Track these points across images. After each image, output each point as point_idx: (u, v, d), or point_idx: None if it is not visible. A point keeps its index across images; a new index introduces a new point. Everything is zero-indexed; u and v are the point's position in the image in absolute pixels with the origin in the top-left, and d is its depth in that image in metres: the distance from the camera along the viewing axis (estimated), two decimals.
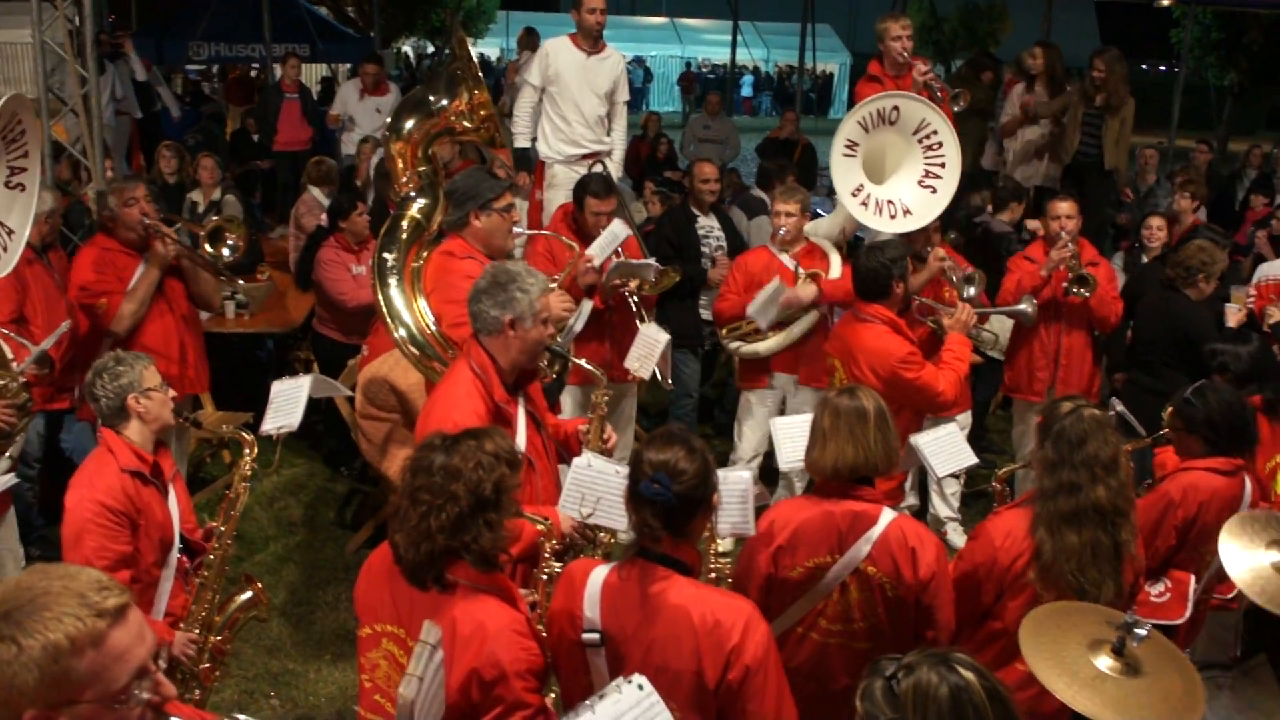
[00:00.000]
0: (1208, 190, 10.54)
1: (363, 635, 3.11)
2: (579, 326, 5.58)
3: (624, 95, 7.76)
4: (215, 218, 6.95)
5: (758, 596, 3.71)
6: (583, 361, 4.58)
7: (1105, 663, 2.86)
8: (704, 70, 38.50)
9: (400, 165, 5.20)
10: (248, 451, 4.37)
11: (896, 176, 6.57)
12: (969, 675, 2.17)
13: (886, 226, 6.55)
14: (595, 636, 2.99)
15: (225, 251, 6.41)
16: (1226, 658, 4.12)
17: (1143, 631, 2.86)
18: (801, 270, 6.39)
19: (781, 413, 6.55)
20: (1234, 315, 6.37)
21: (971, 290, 6.30)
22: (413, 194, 5.17)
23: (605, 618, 3.00)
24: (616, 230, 5.92)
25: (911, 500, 6.88)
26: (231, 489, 4.31)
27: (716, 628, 2.92)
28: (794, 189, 6.68)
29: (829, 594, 3.63)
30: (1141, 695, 2.82)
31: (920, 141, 6.52)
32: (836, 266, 6.47)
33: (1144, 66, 43.54)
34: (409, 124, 5.19)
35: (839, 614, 3.65)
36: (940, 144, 6.50)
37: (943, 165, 6.52)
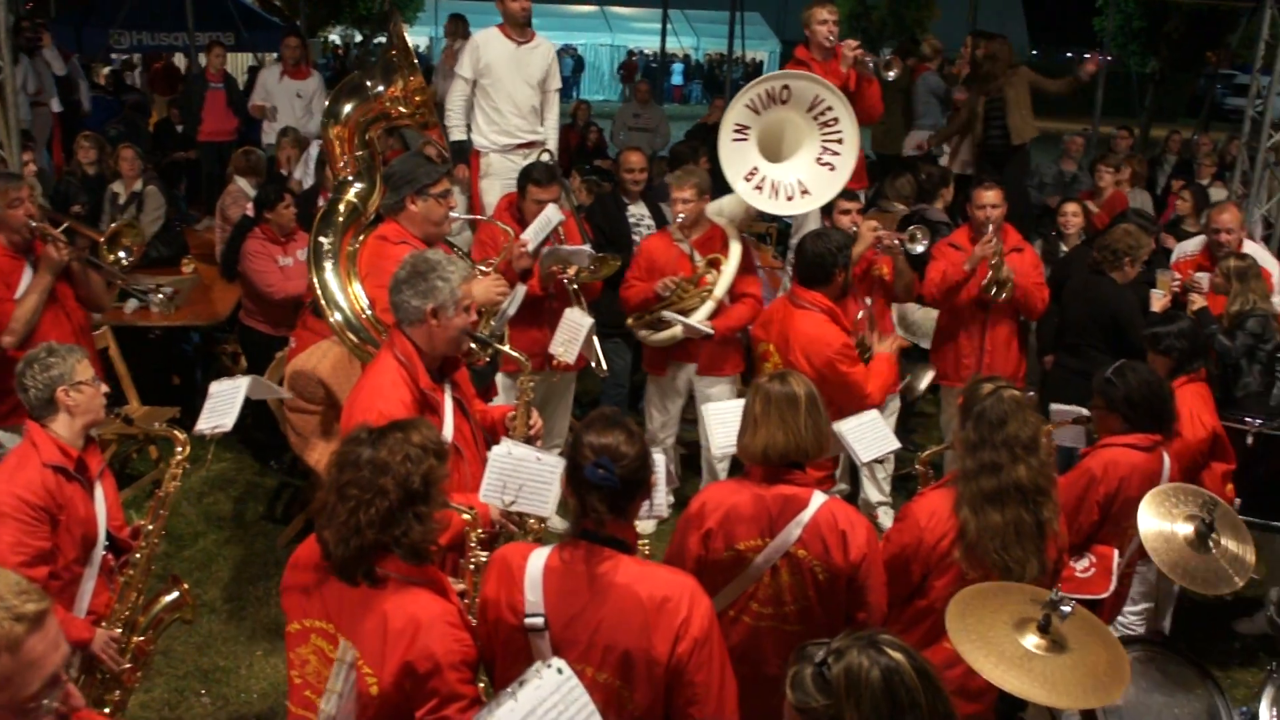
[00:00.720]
0: (1143, 172, 10.80)
1: (291, 631, 3.07)
2: (511, 311, 5.54)
3: (556, 84, 7.74)
4: (115, 223, 6.80)
5: None
6: (506, 347, 4.57)
7: (1031, 641, 2.91)
8: (648, 57, 38.39)
9: (338, 150, 5.19)
10: (179, 449, 4.30)
11: (795, 156, 6.51)
12: (898, 656, 2.18)
13: (783, 209, 6.58)
14: (539, 620, 2.97)
15: (121, 255, 6.28)
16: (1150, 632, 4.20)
17: (1067, 609, 2.92)
18: (699, 257, 6.34)
19: (691, 401, 6.61)
20: (1158, 300, 6.48)
21: (920, 247, 6.32)
22: (350, 178, 5.17)
23: (549, 601, 2.98)
24: (550, 215, 5.89)
25: (843, 486, 6.94)
26: (161, 487, 4.25)
27: (665, 603, 2.93)
28: (690, 172, 6.49)
29: (760, 577, 3.65)
30: (1068, 671, 2.87)
31: (816, 119, 6.43)
32: (735, 253, 6.38)
33: (1069, 54, 44.17)
34: (346, 108, 5.19)
35: (770, 597, 3.67)
36: (835, 119, 6.41)
37: (840, 142, 6.45)
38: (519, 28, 7.46)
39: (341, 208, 5.06)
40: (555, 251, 5.94)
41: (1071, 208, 8.08)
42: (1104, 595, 4.31)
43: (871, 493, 6.82)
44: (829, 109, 6.38)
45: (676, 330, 6.27)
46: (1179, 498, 3.88)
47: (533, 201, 6.06)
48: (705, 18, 36.41)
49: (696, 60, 40.09)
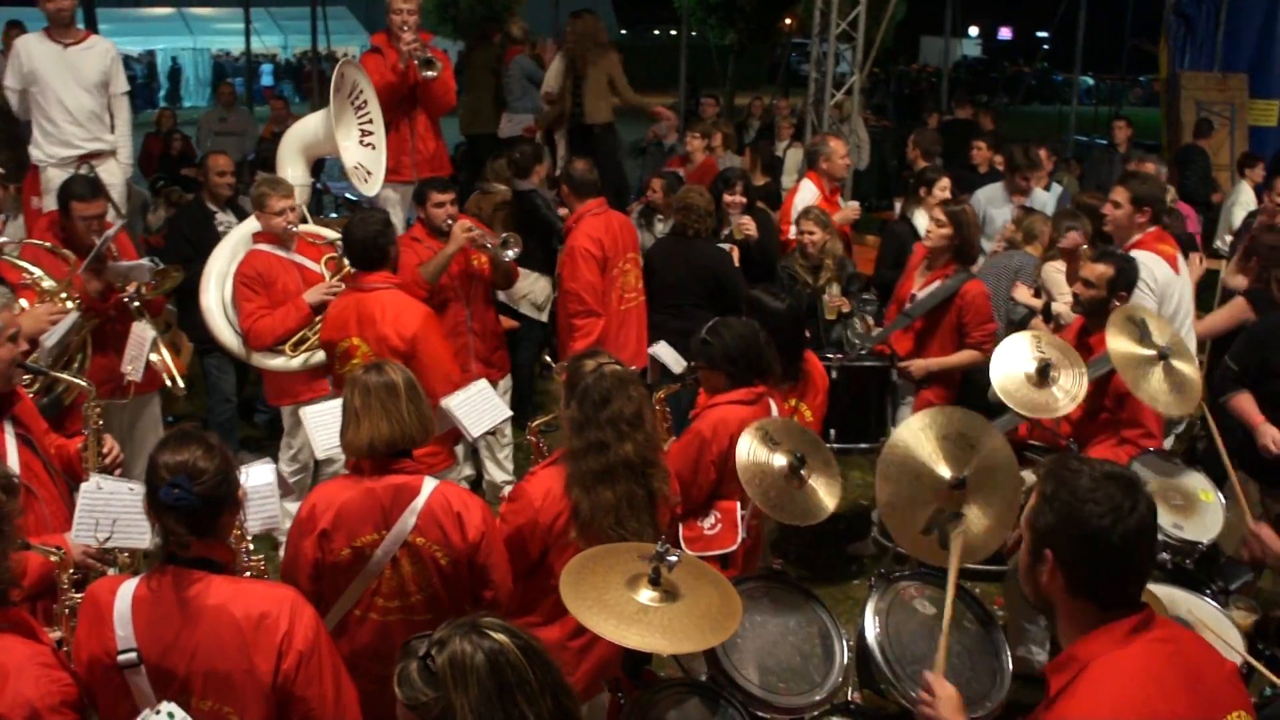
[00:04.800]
0: (732, 135, 11.45)
1: None
2: (54, 340, 5.14)
3: (121, 86, 7.31)
4: None
5: (309, 584, 3.63)
6: (65, 375, 4.29)
7: (646, 595, 3.00)
8: (234, 58, 36.67)
9: None
10: None
11: (346, 141, 6.83)
12: (501, 637, 2.19)
13: (370, 191, 6.98)
14: (132, 656, 2.82)
15: None
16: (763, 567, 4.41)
17: (674, 558, 3.02)
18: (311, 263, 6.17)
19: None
20: (1024, 292, 6.77)
21: (510, 253, 6.38)
22: None
23: (140, 634, 2.83)
24: (111, 233, 5.52)
25: (467, 470, 6.94)
26: None
27: (263, 619, 2.85)
28: (279, 181, 6.27)
29: (381, 571, 3.59)
30: (684, 617, 2.99)
31: (352, 103, 6.82)
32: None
33: (655, 33, 46.09)
34: None
35: (394, 590, 3.63)
36: (366, 102, 6.87)
37: (371, 122, 6.92)
38: (63, 28, 7.00)
39: None
40: (113, 269, 5.54)
41: (658, 182, 8.42)
42: (733, 548, 4.41)
43: (496, 474, 6.85)
44: (361, 91, 6.85)
45: (278, 361, 6.02)
46: (777, 432, 4.08)
47: (79, 219, 5.55)
48: (290, 14, 35.12)
49: (286, 59, 38.83)
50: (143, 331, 5.44)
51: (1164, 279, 5.74)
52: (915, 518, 3.65)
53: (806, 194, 7.94)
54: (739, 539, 4.43)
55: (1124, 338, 4.66)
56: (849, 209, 8.27)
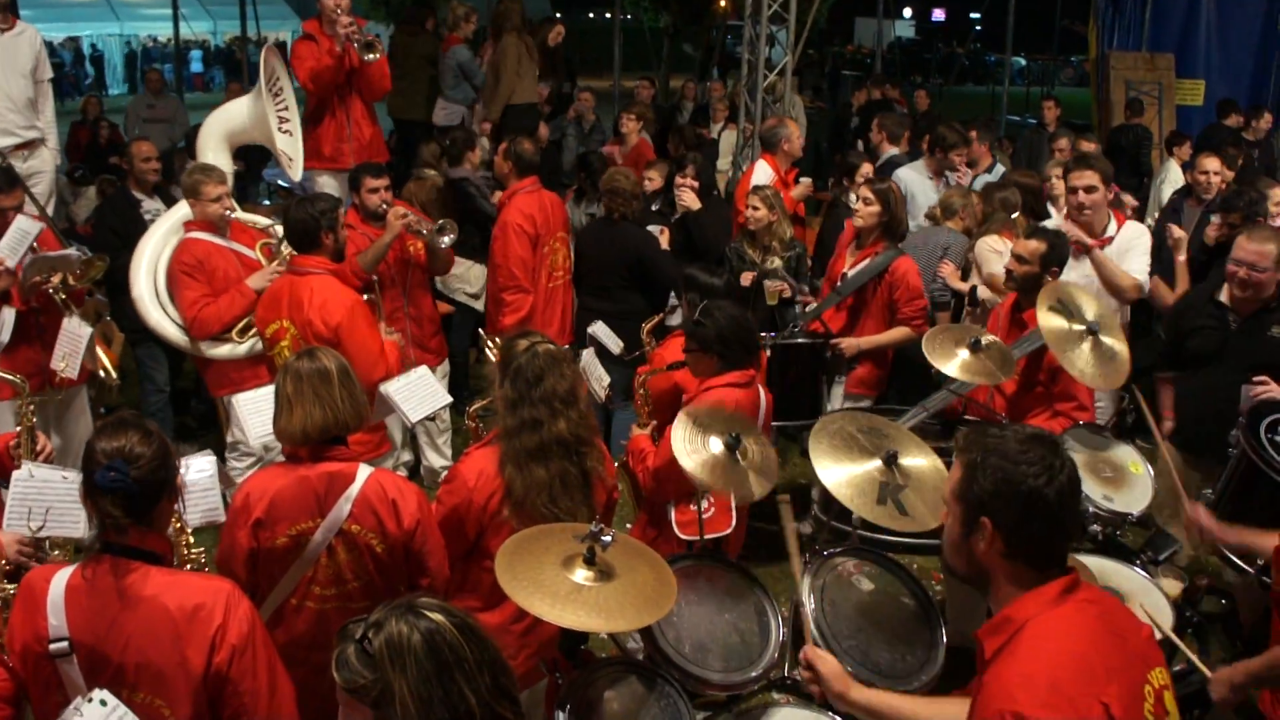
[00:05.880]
0: (653, 119, 11.46)
1: None
2: (5, 337, 5.05)
3: (47, 73, 7.26)
4: None
5: (244, 573, 3.61)
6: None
7: (581, 574, 3.01)
8: (163, 44, 36.02)
9: None
10: None
11: (273, 129, 6.88)
12: (438, 617, 2.19)
13: (296, 175, 7.20)
14: (64, 645, 2.79)
15: None
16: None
17: (608, 538, 3.04)
18: (249, 250, 6.12)
19: None
20: (950, 271, 6.85)
21: (446, 239, 6.35)
22: None
23: (73, 622, 2.80)
24: (25, 226, 5.38)
25: (406, 456, 6.91)
26: None
27: (197, 611, 2.83)
28: (211, 168, 6.22)
29: (316, 559, 3.58)
30: (619, 595, 3.00)
31: (270, 91, 6.87)
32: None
33: (590, 15, 45.91)
34: None
35: (330, 578, 3.61)
36: (282, 89, 6.99)
37: (287, 109, 7.07)
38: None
39: None
40: (39, 260, 5.43)
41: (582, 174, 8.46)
42: (728, 531, 4.43)
43: (434, 459, 6.84)
44: (278, 79, 6.93)
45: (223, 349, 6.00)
46: (702, 418, 4.09)
47: None
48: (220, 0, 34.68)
49: (216, 45, 38.22)
50: (78, 329, 5.32)
51: None
52: (867, 493, 3.69)
53: (761, 175, 7.99)
54: (732, 523, 4.45)
55: (1054, 314, 4.74)
56: (803, 185, 8.33)
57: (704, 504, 4.34)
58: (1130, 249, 6.00)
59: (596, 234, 7.04)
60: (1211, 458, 5.03)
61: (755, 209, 6.80)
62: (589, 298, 6.93)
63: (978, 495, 2.42)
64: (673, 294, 6.57)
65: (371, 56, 7.35)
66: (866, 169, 7.79)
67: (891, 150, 9.02)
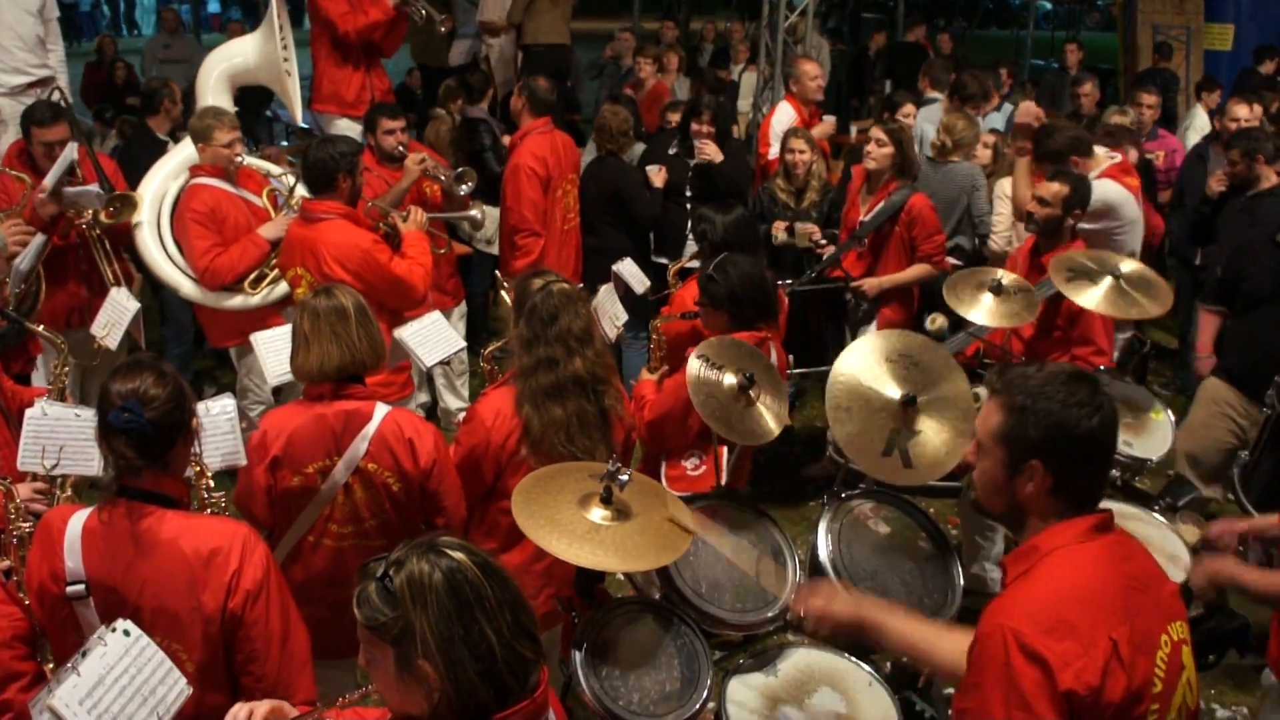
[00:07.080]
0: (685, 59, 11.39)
1: None
2: (25, 265, 5.05)
3: (54, 11, 7.19)
4: None
5: (263, 512, 3.63)
6: (40, 329, 4.26)
7: (598, 514, 3.00)
8: None
9: None
10: None
11: (282, 72, 6.80)
12: (459, 555, 2.18)
13: (299, 116, 7.25)
14: (80, 588, 2.80)
15: None
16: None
17: (625, 477, 3.02)
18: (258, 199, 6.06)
19: None
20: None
21: (465, 187, 6.31)
22: None
23: (90, 565, 2.80)
24: (69, 155, 5.39)
25: (423, 397, 6.91)
26: None
27: (213, 556, 2.82)
28: (223, 112, 6.09)
29: (334, 497, 3.59)
30: (636, 535, 2.99)
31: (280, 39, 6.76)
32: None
33: None
34: None
35: (348, 515, 3.63)
36: (283, 27, 6.82)
37: (287, 48, 6.89)
38: None
39: None
40: (66, 195, 5.43)
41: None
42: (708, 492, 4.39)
43: (450, 400, 6.84)
44: (281, 27, 6.74)
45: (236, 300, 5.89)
46: (718, 356, 4.04)
47: (39, 144, 5.53)
48: None
49: None
50: (126, 301, 5.16)
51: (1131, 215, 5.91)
52: (873, 441, 3.64)
53: (784, 116, 7.91)
54: (721, 483, 4.33)
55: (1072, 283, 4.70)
56: (826, 123, 8.22)
57: (695, 460, 4.33)
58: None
59: (589, 171, 7.04)
60: (1258, 397, 5.11)
61: (801, 152, 6.68)
62: (583, 234, 6.95)
63: (1030, 439, 2.37)
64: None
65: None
66: (909, 108, 7.68)
67: (935, 94, 8.88)
